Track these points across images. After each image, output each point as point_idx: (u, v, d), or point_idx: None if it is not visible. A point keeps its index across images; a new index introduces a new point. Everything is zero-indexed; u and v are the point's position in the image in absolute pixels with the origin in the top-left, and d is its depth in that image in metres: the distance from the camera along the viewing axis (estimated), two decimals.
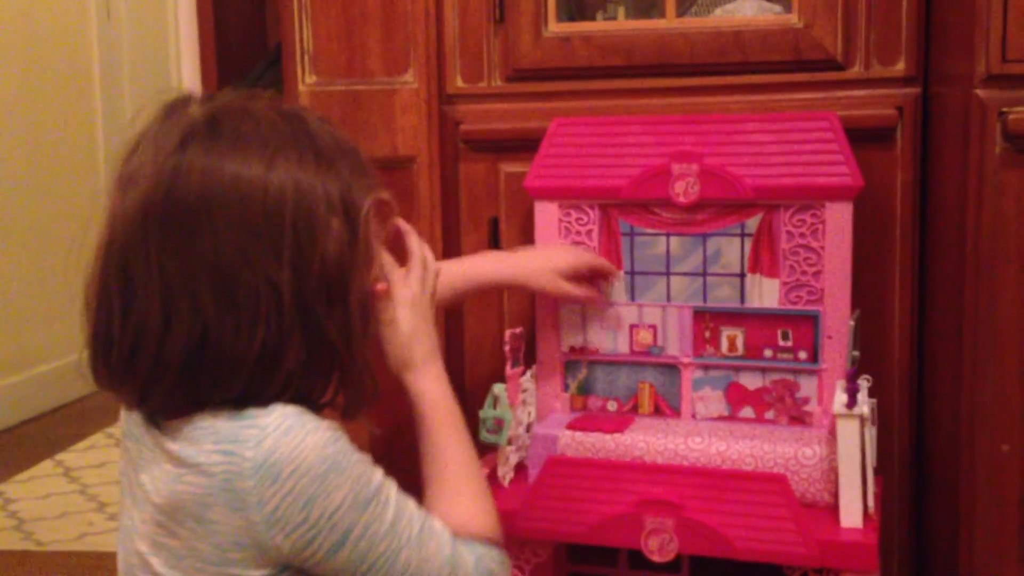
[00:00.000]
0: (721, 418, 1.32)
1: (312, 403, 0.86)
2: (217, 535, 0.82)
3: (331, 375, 0.87)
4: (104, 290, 0.83)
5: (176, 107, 0.85)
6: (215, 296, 0.80)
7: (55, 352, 3.19)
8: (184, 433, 0.84)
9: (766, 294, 1.30)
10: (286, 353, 0.82)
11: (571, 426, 1.30)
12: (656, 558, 1.15)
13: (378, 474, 0.86)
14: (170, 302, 0.81)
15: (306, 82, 1.47)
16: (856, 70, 1.34)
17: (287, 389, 0.84)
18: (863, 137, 1.30)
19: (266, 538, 0.81)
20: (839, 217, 1.25)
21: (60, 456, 2.77)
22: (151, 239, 0.81)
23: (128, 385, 0.85)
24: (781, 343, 1.29)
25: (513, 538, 1.22)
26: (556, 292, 1.30)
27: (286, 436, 0.80)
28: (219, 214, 0.81)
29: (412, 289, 0.99)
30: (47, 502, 2.49)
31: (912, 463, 1.37)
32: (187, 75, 1.79)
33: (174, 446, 0.84)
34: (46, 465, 2.72)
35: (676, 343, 1.34)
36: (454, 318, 1.50)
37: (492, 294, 1.48)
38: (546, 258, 1.31)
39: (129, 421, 0.90)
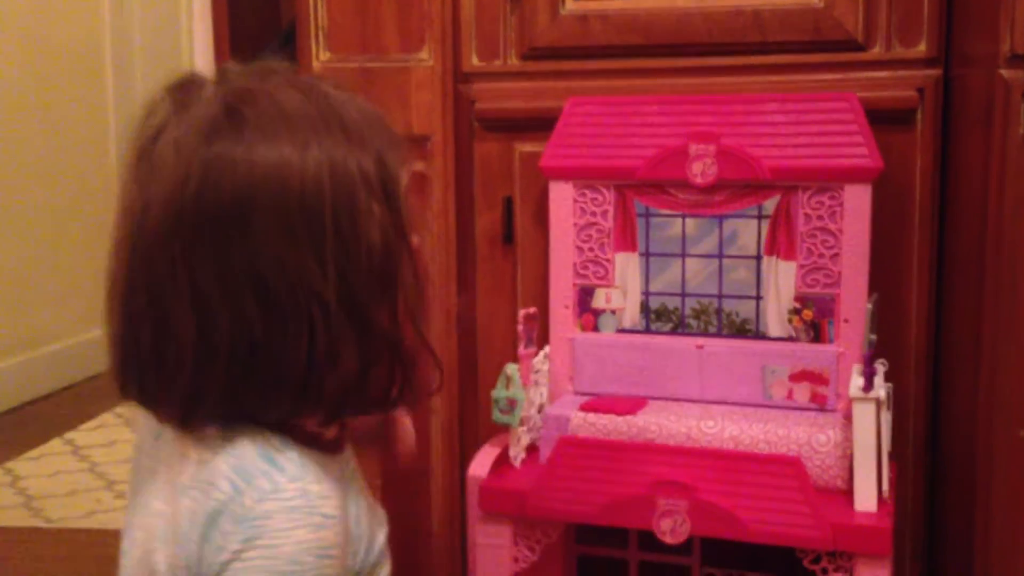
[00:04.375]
0: (736, 402, 1.31)
1: (378, 406, 0.82)
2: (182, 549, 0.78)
3: (393, 372, 0.80)
4: (130, 301, 0.77)
5: (189, 91, 0.78)
6: (258, 302, 0.74)
7: (65, 332, 3.19)
8: (212, 443, 0.79)
9: (782, 277, 1.29)
10: (340, 361, 0.76)
11: (584, 407, 1.29)
12: (668, 539, 1.15)
13: None
14: (208, 315, 0.74)
15: (320, 59, 1.46)
16: (877, 51, 1.33)
17: (344, 402, 0.78)
18: (883, 119, 1.29)
19: (192, 571, 0.77)
20: (858, 199, 1.24)
21: (69, 435, 2.78)
22: (183, 244, 0.74)
23: (166, 405, 0.78)
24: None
25: (524, 518, 1.21)
26: None
27: (287, 513, 0.75)
28: (256, 211, 0.74)
29: None
30: (56, 480, 2.50)
31: (927, 448, 1.36)
32: (200, 53, 1.78)
33: (196, 454, 0.79)
34: (55, 443, 2.73)
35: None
36: (467, 296, 1.49)
37: (505, 274, 1.47)
38: None
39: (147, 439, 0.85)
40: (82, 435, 2.79)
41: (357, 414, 0.85)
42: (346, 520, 0.79)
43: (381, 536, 0.89)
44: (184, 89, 0.78)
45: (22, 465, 2.60)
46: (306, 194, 0.74)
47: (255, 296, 0.74)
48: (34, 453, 2.67)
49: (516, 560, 1.23)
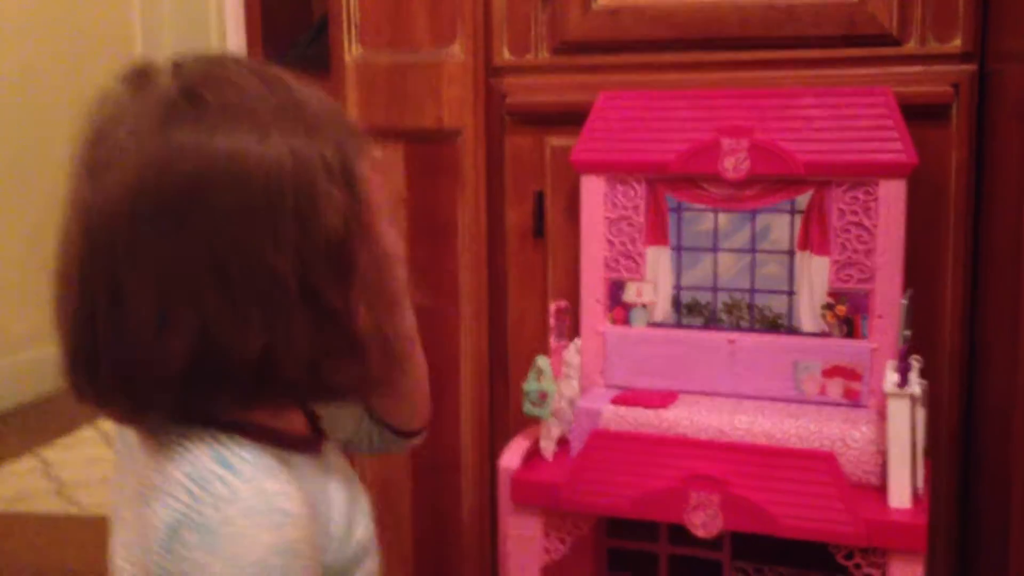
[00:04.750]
0: (767, 397, 1.31)
1: (333, 394, 0.82)
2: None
3: (349, 359, 0.79)
4: (86, 296, 0.74)
5: (142, 79, 0.76)
6: (216, 292, 0.73)
7: None
8: (167, 451, 0.76)
9: (816, 272, 1.28)
10: (294, 345, 0.75)
11: (615, 401, 1.29)
12: (701, 533, 1.15)
13: None
14: (167, 303, 0.72)
15: (352, 53, 1.47)
16: (911, 46, 1.32)
17: (296, 387, 0.77)
18: (917, 114, 1.28)
19: None
20: (892, 195, 1.23)
21: (101, 423, 2.81)
22: (142, 234, 0.72)
23: (120, 402, 0.76)
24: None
25: (555, 510, 1.22)
26: None
27: (247, 517, 0.73)
28: (214, 195, 0.72)
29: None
30: (88, 467, 2.53)
31: (960, 446, 1.36)
32: (232, 46, 1.79)
33: (154, 462, 0.77)
34: (87, 431, 2.76)
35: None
36: (497, 290, 1.49)
37: (536, 267, 1.48)
38: None
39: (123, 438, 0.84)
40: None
41: (312, 401, 0.85)
42: (311, 515, 0.77)
43: (360, 530, 0.87)
44: (139, 77, 0.77)
45: (54, 452, 2.64)
46: (267, 180, 0.73)
47: (214, 282, 0.73)
48: (66, 441, 2.71)
49: (547, 552, 1.23)
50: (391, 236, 0.85)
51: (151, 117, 0.73)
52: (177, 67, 0.77)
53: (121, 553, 0.79)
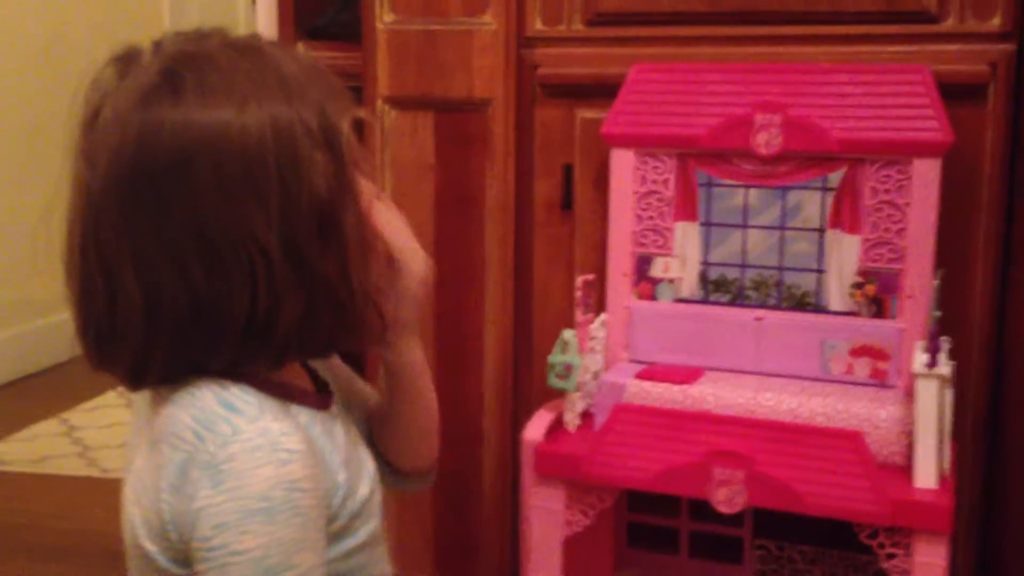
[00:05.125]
0: (793, 375, 1.30)
1: (322, 352, 0.84)
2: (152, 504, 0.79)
3: (336, 319, 0.82)
4: (84, 270, 0.79)
5: (129, 61, 0.80)
6: (202, 261, 0.76)
7: None
8: (175, 398, 0.80)
9: (846, 250, 1.27)
10: (283, 309, 0.78)
11: (640, 375, 1.29)
12: (724, 509, 1.15)
13: (310, 559, 0.77)
14: (151, 274, 0.76)
15: (384, 20, 1.46)
16: (950, 24, 1.30)
17: (288, 346, 0.80)
18: (954, 93, 1.26)
19: (169, 526, 0.78)
20: (927, 174, 1.22)
21: (123, 387, 2.83)
22: (125, 209, 0.76)
23: (121, 364, 0.81)
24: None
25: (578, 483, 1.22)
26: None
27: (250, 453, 0.76)
28: (195, 171, 0.75)
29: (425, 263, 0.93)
30: (111, 431, 2.55)
31: (987, 427, 1.35)
32: (262, 14, 1.79)
33: (163, 409, 0.80)
34: (110, 395, 2.78)
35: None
36: (523, 262, 1.49)
37: (563, 240, 1.47)
38: None
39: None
40: None
41: (302, 359, 0.86)
42: (314, 455, 0.80)
43: (364, 489, 0.88)
44: (124, 59, 0.80)
45: (78, 416, 2.66)
46: (246, 150, 0.76)
47: (197, 252, 0.76)
48: (89, 404, 2.73)
49: (569, 524, 1.24)
50: (369, 191, 0.86)
51: (131, 99, 0.77)
52: (158, 47, 0.80)
53: (132, 498, 0.82)
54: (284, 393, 0.84)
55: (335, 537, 0.85)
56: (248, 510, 0.74)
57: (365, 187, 0.85)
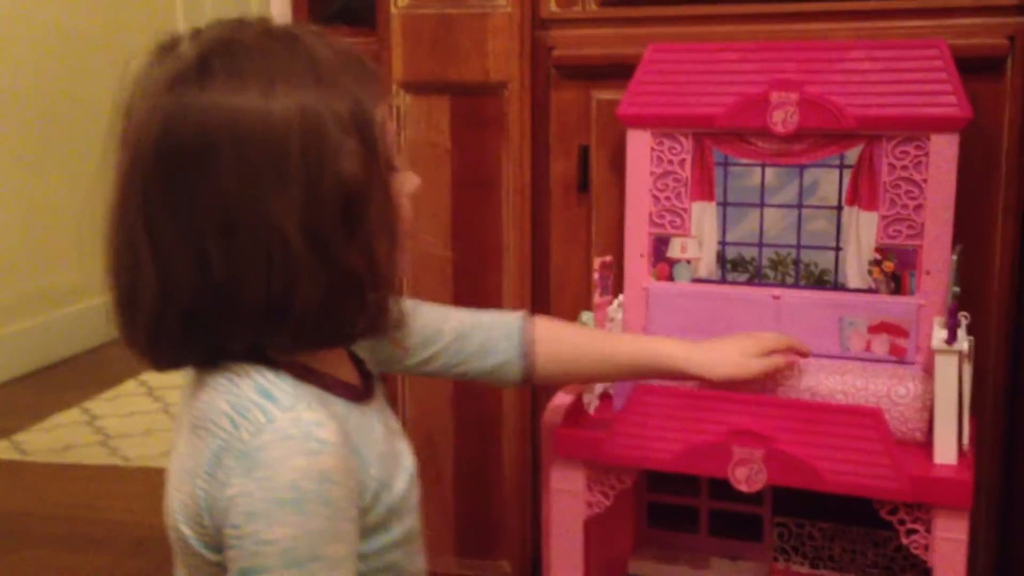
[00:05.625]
0: (814, 353, 1.30)
1: (343, 339, 0.85)
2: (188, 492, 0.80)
3: (358, 307, 0.82)
4: (118, 252, 0.80)
5: (165, 49, 0.81)
6: (220, 242, 0.77)
7: None
8: (213, 383, 0.81)
9: (864, 227, 1.27)
10: (298, 293, 0.78)
11: None
12: (744, 488, 1.15)
13: (340, 551, 0.78)
14: (173, 254, 0.77)
15: (398, 5, 1.46)
16: None
17: (306, 330, 0.80)
18: (971, 67, 1.26)
19: (203, 512, 0.78)
20: (944, 149, 1.21)
21: (143, 376, 2.85)
22: (149, 192, 0.78)
23: (140, 344, 0.82)
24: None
25: (599, 464, 1.22)
26: (747, 374, 1.15)
27: (283, 441, 0.76)
28: (218, 155, 0.76)
29: None
30: (132, 419, 2.57)
31: (1007, 403, 1.35)
32: (276, 1, 1.79)
33: (203, 394, 0.81)
34: (130, 384, 2.80)
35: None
36: (540, 244, 1.49)
37: (580, 222, 1.48)
38: (729, 343, 1.17)
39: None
40: (155, 376, 2.84)
41: (322, 346, 0.86)
42: (348, 448, 0.80)
43: (400, 484, 0.88)
44: (164, 47, 0.81)
45: (99, 405, 2.68)
46: (270, 135, 0.76)
47: (216, 233, 0.77)
48: (110, 393, 2.75)
49: (590, 505, 1.24)
50: (409, 181, 0.87)
51: (160, 84, 0.78)
52: (196, 34, 0.81)
53: (173, 482, 0.83)
54: (322, 383, 0.84)
55: (370, 532, 0.85)
56: (278, 500, 0.75)
57: (401, 177, 0.85)
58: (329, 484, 0.76)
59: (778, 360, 1.18)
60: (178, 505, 0.81)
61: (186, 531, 0.81)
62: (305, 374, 0.83)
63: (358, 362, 0.93)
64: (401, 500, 0.88)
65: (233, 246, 0.77)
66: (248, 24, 0.82)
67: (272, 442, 0.76)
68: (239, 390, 0.80)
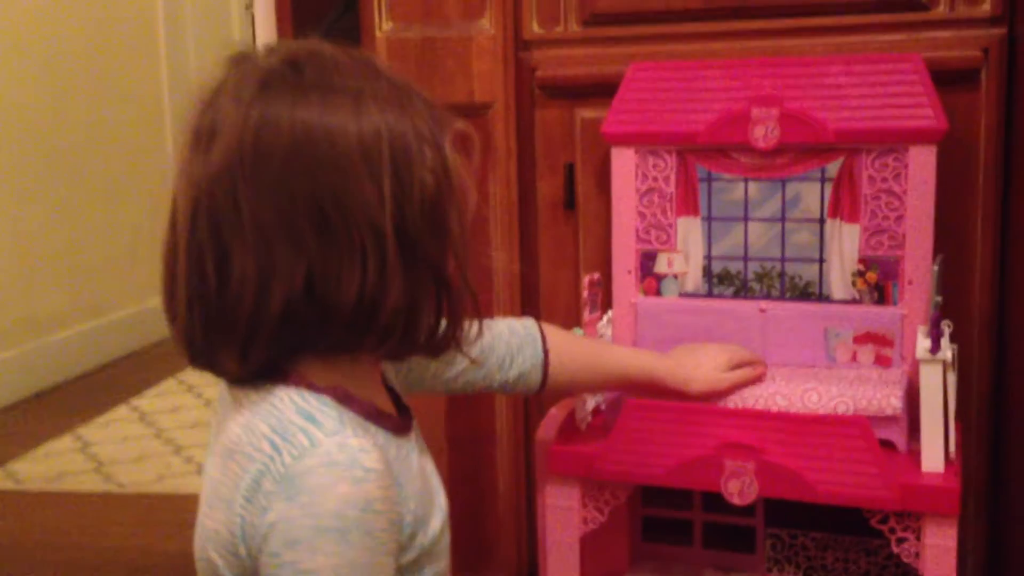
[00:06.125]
0: (799, 364, 1.32)
1: (424, 347, 0.84)
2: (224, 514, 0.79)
3: (439, 313, 0.83)
4: (195, 255, 0.78)
5: (245, 58, 0.81)
6: (318, 237, 0.76)
7: (126, 300, 3.26)
8: (253, 406, 0.80)
9: (846, 239, 1.29)
10: (389, 294, 0.78)
11: None
12: (736, 501, 1.17)
13: None
14: (269, 251, 0.76)
15: (383, 28, 1.48)
16: (940, 10, 1.32)
17: (391, 335, 0.80)
18: (947, 79, 1.28)
19: (239, 540, 0.77)
20: (922, 161, 1.23)
21: (134, 401, 2.85)
22: (242, 191, 0.76)
23: (228, 348, 0.79)
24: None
25: (593, 480, 1.24)
26: (719, 389, 1.21)
27: (327, 468, 0.74)
28: (313, 161, 0.76)
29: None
30: (125, 445, 2.57)
31: (991, 410, 1.36)
32: (261, 20, 1.80)
33: (240, 417, 0.80)
34: (122, 409, 2.80)
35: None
36: (529, 263, 1.51)
37: (567, 240, 1.49)
38: (705, 356, 1.23)
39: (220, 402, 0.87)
40: (147, 401, 2.86)
41: (403, 355, 0.86)
42: (391, 476, 0.79)
43: (436, 524, 0.87)
44: (239, 58, 0.82)
45: (91, 431, 2.68)
46: (364, 145, 0.77)
47: (313, 228, 0.76)
48: (102, 419, 2.75)
49: (585, 521, 1.25)
50: (472, 198, 0.88)
51: (252, 85, 0.78)
52: (272, 49, 0.82)
53: (204, 509, 0.81)
54: (363, 410, 0.82)
55: (403, 572, 0.83)
56: (320, 528, 0.73)
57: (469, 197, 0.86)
58: (373, 514, 0.75)
59: (747, 372, 1.23)
60: (210, 532, 0.79)
61: (217, 560, 0.79)
62: (346, 399, 0.81)
63: (394, 395, 0.92)
64: (434, 542, 0.87)
65: (329, 239, 0.76)
66: (322, 43, 0.83)
67: (316, 467, 0.74)
68: (280, 413, 0.78)
